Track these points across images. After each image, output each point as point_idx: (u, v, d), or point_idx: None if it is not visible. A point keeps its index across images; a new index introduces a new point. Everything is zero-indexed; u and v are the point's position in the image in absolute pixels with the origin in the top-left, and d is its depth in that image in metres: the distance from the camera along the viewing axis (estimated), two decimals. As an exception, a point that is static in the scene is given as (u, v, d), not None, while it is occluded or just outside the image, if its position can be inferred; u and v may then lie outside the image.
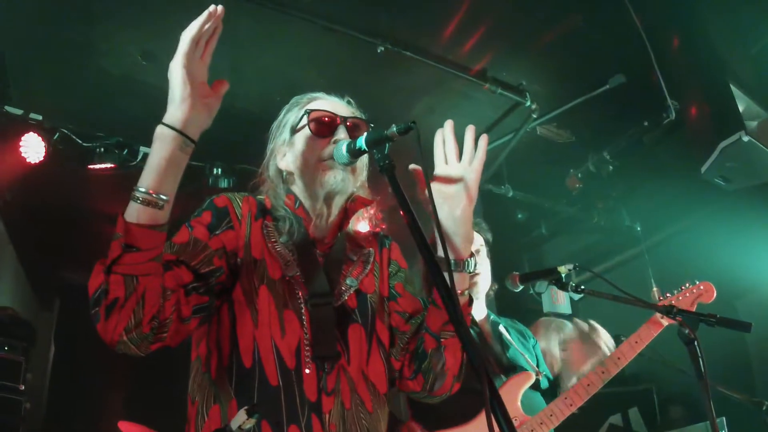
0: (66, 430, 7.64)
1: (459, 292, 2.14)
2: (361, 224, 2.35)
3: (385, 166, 1.90)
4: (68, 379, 7.89)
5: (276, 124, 2.32)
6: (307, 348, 2.04)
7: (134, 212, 1.79)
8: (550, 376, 3.78)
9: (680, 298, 3.45)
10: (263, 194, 2.27)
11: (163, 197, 1.82)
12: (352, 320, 2.18)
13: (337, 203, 2.19)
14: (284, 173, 2.27)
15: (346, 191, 2.19)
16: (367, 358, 2.18)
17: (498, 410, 1.37)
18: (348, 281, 2.22)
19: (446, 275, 1.67)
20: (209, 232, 2.06)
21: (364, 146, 1.99)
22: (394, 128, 1.92)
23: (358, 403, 2.11)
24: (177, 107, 1.87)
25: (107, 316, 1.80)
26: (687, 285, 3.45)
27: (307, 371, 2.01)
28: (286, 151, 2.26)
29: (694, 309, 3.44)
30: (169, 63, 1.86)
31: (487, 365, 1.42)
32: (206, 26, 1.87)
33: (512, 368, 3.55)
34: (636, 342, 3.43)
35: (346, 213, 2.27)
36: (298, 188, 2.23)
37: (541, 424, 3.32)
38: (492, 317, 3.80)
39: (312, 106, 2.27)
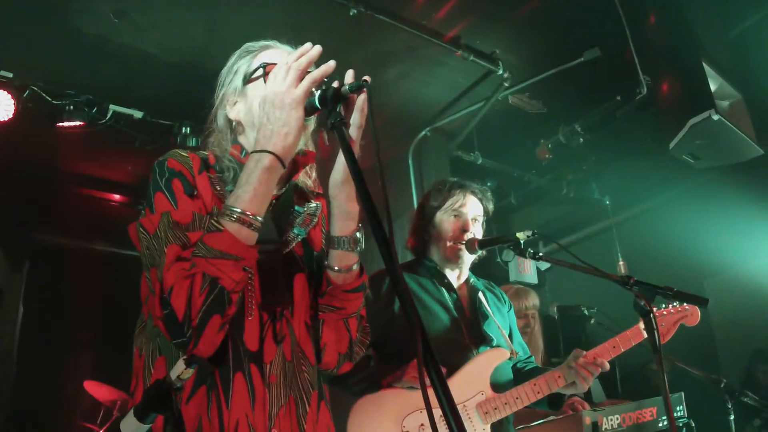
0: (34, 391, 7.62)
1: (347, 266, 2.15)
2: (311, 178, 2.34)
3: (335, 123, 1.87)
4: (37, 339, 7.86)
5: (226, 71, 2.27)
6: (251, 294, 2.03)
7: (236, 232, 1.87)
8: (521, 353, 3.81)
9: (665, 313, 3.45)
10: (207, 150, 2.23)
11: (260, 219, 1.90)
12: (299, 270, 2.18)
13: None
14: (233, 123, 2.23)
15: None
16: (309, 309, 2.19)
17: (432, 369, 1.36)
18: (296, 230, 2.21)
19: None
20: (191, 199, 2.03)
21: (318, 104, 1.96)
22: (346, 86, 1.92)
23: (300, 355, 2.11)
24: (290, 145, 1.93)
25: None
26: (675, 303, 3.46)
27: (250, 318, 2.01)
28: (237, 100, 2.21)
29: (676, 329, 3.45)
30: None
31: (421, 323, 1.40)
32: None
33: (485, 341, 3.55)
34: (614, 347, 3.41)
35: (296, 165, 2.24)
36: (246, 140, 2.19)
37: (506, 404, 3.35)
38: (471, 281, 3.80)
39: (266, 57, 2.22)
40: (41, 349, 7.78)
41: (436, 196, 3.76)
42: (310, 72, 1.97)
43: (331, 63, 1.96)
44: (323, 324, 2.21)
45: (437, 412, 1.33)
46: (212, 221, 1.89)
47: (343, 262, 2.14)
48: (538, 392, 3.38)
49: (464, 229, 3.63)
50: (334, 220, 2.12)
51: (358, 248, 2.15)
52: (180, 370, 1.59)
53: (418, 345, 1.35)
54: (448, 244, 3.65)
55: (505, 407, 3.34)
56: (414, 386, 3.29)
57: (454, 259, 3.66)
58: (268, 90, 1.98)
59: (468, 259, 3.68)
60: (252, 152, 1.94)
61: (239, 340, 1.99)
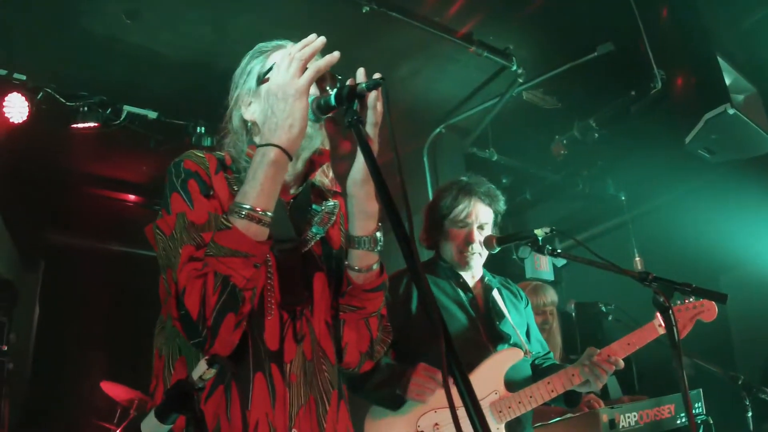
0: (49, 391, 7.66)
1: (367, 266, 2.13)
2: (328, 176, 2.31)
3: (353, 122, 1.85)
4: (52, 339, 7.91)
5: (239, 72, 2.23)
6: (270, 293, 2.01)
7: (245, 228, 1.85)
8: (539, 349, 3.80)
9: (681, 309, 3.43)
10: (224, 150, 2.20)
11: (270, 214, 1.88)
12: (318, 268, 2.16)
13: (303, 157, 2.14)
14: (249, 124, 2.20)
15: (312, 147, 2.14)
16: (329, 308, 2.18)
17: (455, 368, 1.33)
18: (314, 229, 2.19)
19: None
20: (207, 199, 2.01)
21: (334, 103, 1.93)
22: (363, 84, 1.90)
23: (320, 355, 2.10)
24: (296, 137, 1.90)
25: None
26: (691, 299, 3.43)
27: (269, 318, 2.00)
28: (252, 100, 2.17)
29: (692, 324, 3.42)
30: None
31: (443, 322, 1.38)
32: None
33: (502, 339, 3.55)
34: (628, 344, 3.38)
35: (312, 164, 2.22)
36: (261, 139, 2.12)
37: (519, 403, 3.34)
38: (486, 278, 3.79)
39: (279, 57, 2.12)
40: (57, 348, 7.83)
41: (444, 200, 3.75)
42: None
43: (336, 53, 1.93)
44: (344, 324, 2.19)
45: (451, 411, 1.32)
46: (221, 219, 1.87)
47: (363, 262, 2.12)
48: (552, 391, 3.36)
49: (468, 241, 3.64)
50: (354, 219, 2.09)
51: (378, 248, 2.12)
52: (202, 370, 1.58)
53: (441, 345, 1.33)
54: (455, 252, 3.68)
55: (519, 406, 3.34)
56: (416, 402, 3.26)
57: (463, 264, 3.69)
58: (271, 82, 1.95)
59: (478, 261, 3.70)
60: (258, 146, 1.92)
61: (259, 339, 1.97)
